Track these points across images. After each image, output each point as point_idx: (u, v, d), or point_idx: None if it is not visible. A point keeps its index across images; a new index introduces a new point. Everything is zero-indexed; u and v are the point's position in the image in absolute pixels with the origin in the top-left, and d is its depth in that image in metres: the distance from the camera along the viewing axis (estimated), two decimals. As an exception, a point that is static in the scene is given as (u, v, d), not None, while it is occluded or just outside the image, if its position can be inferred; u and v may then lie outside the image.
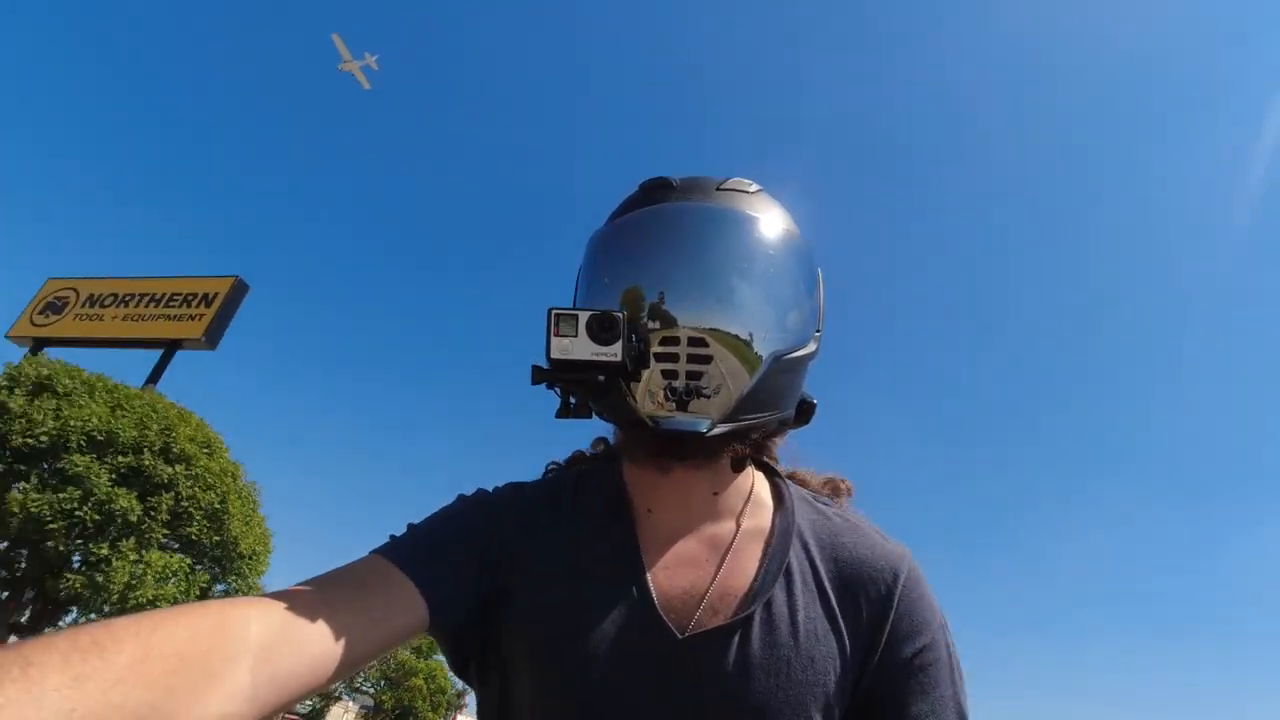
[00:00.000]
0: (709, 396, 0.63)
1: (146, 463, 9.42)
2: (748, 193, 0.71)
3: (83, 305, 14.39)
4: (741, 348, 0.63)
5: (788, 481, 0.76)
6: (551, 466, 0.84)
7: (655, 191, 0.72)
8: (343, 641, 0.52)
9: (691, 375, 0.63)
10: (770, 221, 0.69)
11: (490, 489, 0.75)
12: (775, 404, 0.68)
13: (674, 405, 0.63)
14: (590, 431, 0.89)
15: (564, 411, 0.63)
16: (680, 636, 0.61)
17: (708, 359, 0.63)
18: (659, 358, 0.63)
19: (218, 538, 10.19)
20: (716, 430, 0.63)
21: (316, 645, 0.50)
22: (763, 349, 0.64)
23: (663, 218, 0.68)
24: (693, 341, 0.62)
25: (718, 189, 0.70)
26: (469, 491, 0.75)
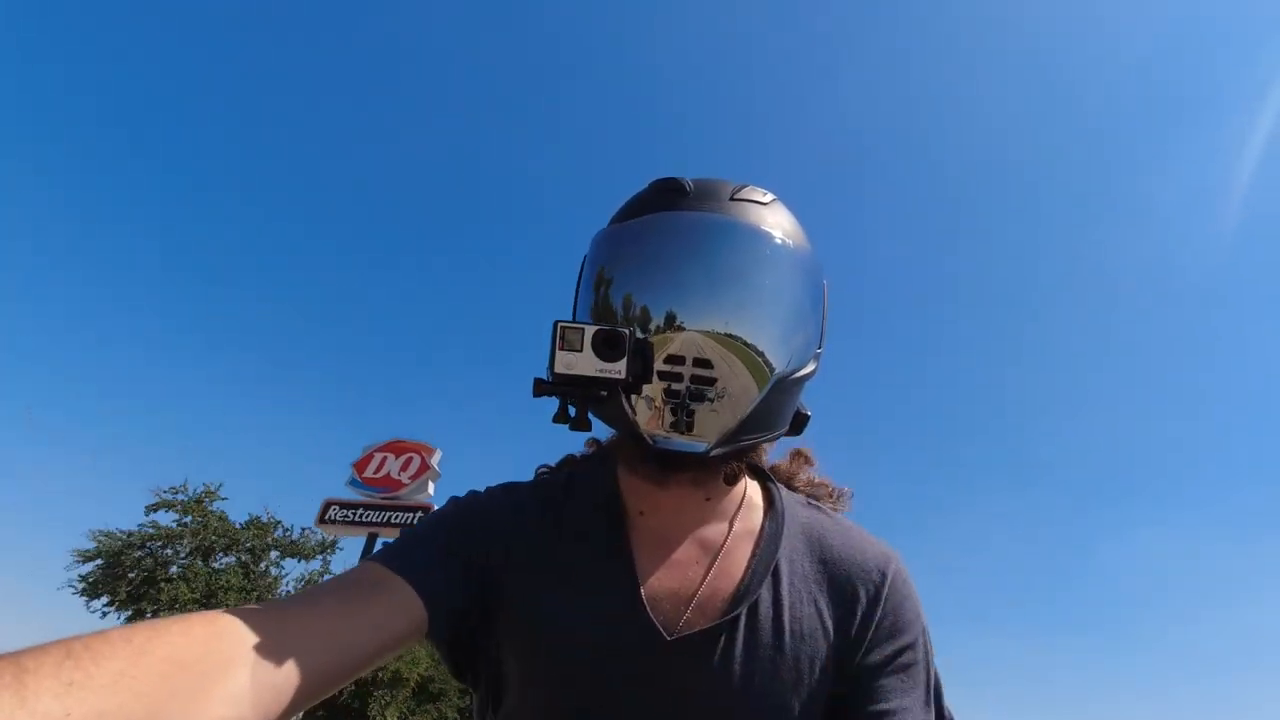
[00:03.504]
0: (710, 417, 0.63)
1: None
2: (762, 203, 0.69)
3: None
4: (746, 370, 0.63)
5: (779, 486, 0.77)
6: (542, 469, 0.84)
7: (667, 195, 0.69)
8: (343, 646, 0.52)
9: (694, 396, 0.62)
10: (783, 238, 0.67)
11: (482, 490, 0.75)
12: (773, 423, 0.68)
13: (674, 425, 0.62)
14: (581, 435, 0.89)
15: (561, 418, 0.63)
16: (668, 637, 0.62)
17: (711, 381, 0.62)
18: (662, 375, 0.62)
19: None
20: (715, 452, 0.63)
21: (316, 650, 0.50)
22: (766, 371, 0.64)
23: (674, 227, 0.66)
24: (697, 362, 0.62)
25: (731, 198, 0.68)
26: (461, 494, 0.75)
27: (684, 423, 0.62)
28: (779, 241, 0.66)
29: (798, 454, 0.84)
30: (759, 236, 0.66)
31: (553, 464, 0.84)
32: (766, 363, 0.64)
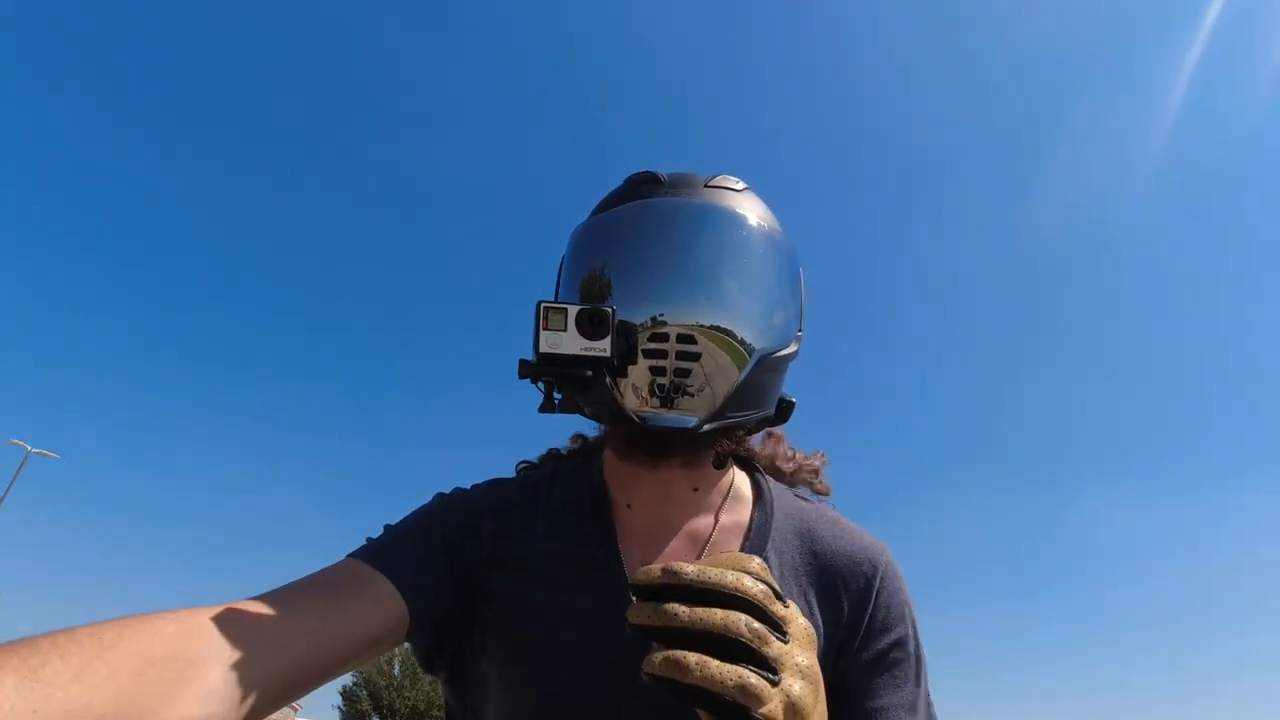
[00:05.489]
0: (695, 395, 0.63)
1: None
2: (735, 190, 0.71)
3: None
4: (729, 347, 0.63)
5: (767, 477, 0.76)
6: (523, 465, 0.83)
7: (642, 186, 0.71)
8: (320, 643, 0.50)
9: (679, 373, 0.62)
10: (757, 221, 0.68)
11: (468, 487, 0.74)
12: (759, 402, 0.68)
13: (660, 402, 0.62)
14: (563, 430, 0.88)
15: (547, 406, 0.61)
16: None
17: (695, 356, 0.62)
18: (647, 354, 0.62)
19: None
20: (705, 428, 0.63)
21: (292, 648, 0.49)
22: (749, 348, 0.64)
23: (651, 213, 0.68)
24: (681, 339, 0.62)
25: (705, 186, 0.70)
26: (446, 490, 0.74)
27: (671, 400, 0.62)
28: (754, 224, 0.68)
29: (770, 435, 0.84)
30: (735, 219, 0.67)
31: (535, 460, 0.83)
32: (747, 340, 0.64)
